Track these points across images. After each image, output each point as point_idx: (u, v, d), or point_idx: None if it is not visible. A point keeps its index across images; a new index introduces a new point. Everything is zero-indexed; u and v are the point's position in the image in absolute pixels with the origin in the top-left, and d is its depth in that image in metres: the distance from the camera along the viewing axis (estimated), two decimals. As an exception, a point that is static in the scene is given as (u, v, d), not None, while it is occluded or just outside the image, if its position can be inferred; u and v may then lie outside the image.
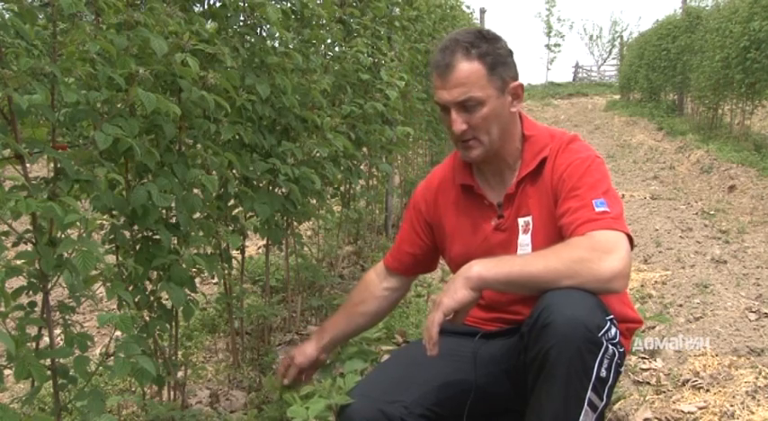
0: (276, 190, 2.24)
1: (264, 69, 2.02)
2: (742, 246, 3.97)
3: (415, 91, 4.18)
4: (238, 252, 2.36)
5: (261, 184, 2.15)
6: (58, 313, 1.33)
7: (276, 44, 2.16)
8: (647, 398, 2.16)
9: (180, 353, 2.04)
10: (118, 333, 1.29)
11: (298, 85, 2.20)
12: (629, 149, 8.95)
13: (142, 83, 1.41)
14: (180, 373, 1.96)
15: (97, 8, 1.41)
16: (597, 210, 1.36)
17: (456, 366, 1.50)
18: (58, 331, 1.32)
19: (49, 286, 1.27)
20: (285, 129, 2.26)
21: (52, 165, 1.29)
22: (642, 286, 3.36)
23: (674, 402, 2.12)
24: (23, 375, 1.15)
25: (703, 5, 11.34)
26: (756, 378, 2.16)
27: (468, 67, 1.43)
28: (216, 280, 3.36)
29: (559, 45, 30.62)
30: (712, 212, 5.04)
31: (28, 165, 1.22)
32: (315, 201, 2.63)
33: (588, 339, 1.22)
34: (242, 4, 1.96)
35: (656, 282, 3.41)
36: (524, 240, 1.51)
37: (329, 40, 2.81)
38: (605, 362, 1.24)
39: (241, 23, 2.02)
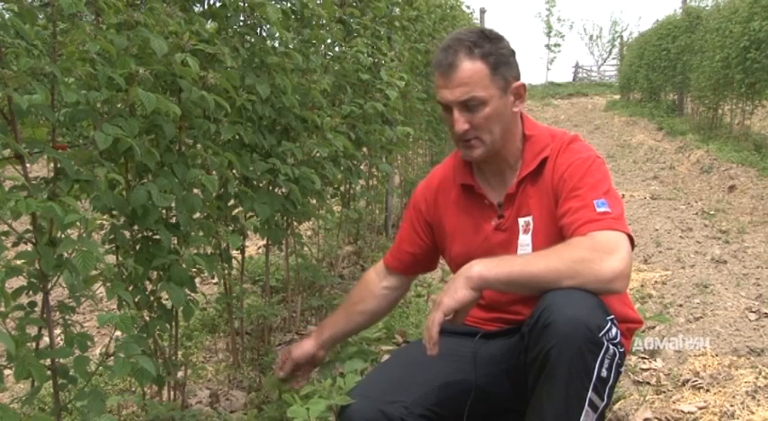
0: (276, 190, 2.23)
1: (264, 69, 2.02)
2: (742, 246, 3.97)
3: (415, 91, 4.17)
4: (238, 252, 2.36)
5: (261, 184, 2.15)
6: (58, 313, 1.33)
7: (276, 44, 2.16)
8: (647, 398, 2.16)
9: (180, 353, 2.04)
10: (118, 333, 1.29)
11: (298, 85, 2.20)
12: (629, 149, 8.95)
13: (142, 83, 1.40)
14: (180, 373, 1.96)
15: (97, 8, 1.41)
16: (598, 210, 1.36)
17: (456, 366, 1.50)
18: (58, 331, 1.32)
19: (49, 286, 1.27)
20: (285, 129, 2.26)
21: (52, 165, 1.29)
22: (642, 286, 3.36)
23: (674, 402, 2.12)
24: (23, 375, 1.15)
25: (703, 5, 11.35)
26: (756, 378, 2.16)
27: (470, 67, 1.43)
28: (216, 280, 3.36)
29: (559, 45, 30.71)
30: (712, 212, 5.04)
31: (28, 165, 1.21)
32: (315, 201, 2.63)
33: (589, 339, 1.22)
34: (242, 4, 1.96)
35: (656, 282, 3.41)
36: (525, 240, 1.51)
37: (329, 40, 2.80)
38: (606, 362, 1.24)
39: (241, 23, 2.02)
